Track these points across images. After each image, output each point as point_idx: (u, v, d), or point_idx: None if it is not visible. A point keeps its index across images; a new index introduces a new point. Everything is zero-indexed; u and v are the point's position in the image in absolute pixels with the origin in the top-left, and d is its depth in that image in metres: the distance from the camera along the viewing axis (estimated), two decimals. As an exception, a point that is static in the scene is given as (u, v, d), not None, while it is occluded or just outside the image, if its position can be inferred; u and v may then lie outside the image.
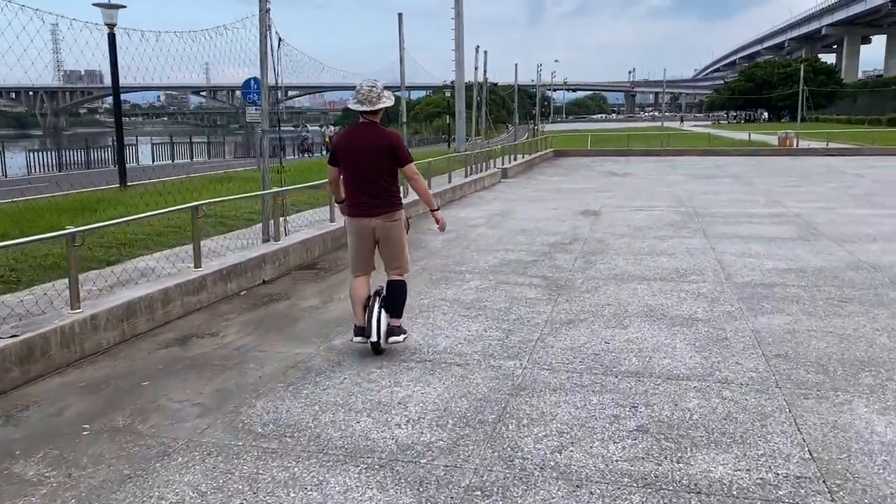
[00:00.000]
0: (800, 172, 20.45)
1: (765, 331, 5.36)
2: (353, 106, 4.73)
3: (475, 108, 24.31)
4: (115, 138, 15.04)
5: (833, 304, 6.06)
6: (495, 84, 68.59)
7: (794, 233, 9.77)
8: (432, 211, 5.07)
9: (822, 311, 5.88)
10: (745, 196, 14.49)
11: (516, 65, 34.43)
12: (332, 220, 9.37)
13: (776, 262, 7.79)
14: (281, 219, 8.14)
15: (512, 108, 44.37)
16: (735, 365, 4.63)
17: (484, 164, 19.72)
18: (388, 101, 4.72)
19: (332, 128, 40.97)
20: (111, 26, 13.20)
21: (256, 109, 18.70)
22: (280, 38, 8.70)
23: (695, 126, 75.24)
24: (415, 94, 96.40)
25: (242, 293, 6.85)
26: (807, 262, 7.81)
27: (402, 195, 5.06)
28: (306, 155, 34.50)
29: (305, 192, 11.95)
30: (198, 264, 6.41)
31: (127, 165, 23.26)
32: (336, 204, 5.20)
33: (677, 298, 6.36)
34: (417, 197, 5.74)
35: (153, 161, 26.46)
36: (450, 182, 15.00)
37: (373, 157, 4.68)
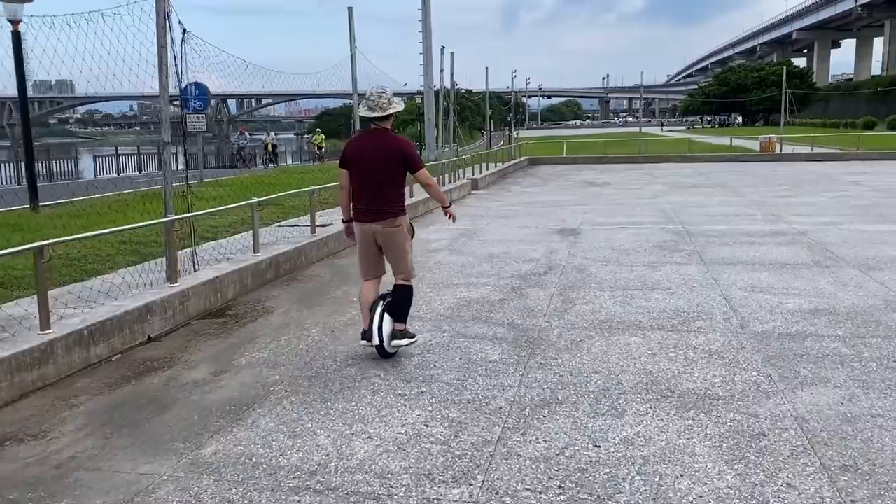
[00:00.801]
0: (790, 180, 19.17)
1: (813, 418, 3.85)
2: (363, 113, 4.75)
3: (442, 114, 22.81)
4: (32, 151, 13.18)
5: (890, 368, 4.58)
6: (469, 91, 67.24)
7: (807, 257, 8.32)
8: (444, 208, 5.19)
9: (881, 378, 4.39)
10: (738, 209, 13.09)
11: (487, 68, 33.02)
12: (255, 250, 7.70)
13: (798, 301, 6.31)
14: (181, 252, 6.50)
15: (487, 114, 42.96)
16: (786, 490, 3.11)
17: (453, 174, 18.20)
18: (398, 105, 4.76)
19: (272, 134, 37.36)
20: (15, 23, 11.43)
21: (199, 117, 17.06)
22: (185, 30, 7.16)
23: (671, 131, 74.34)
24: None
25: (116, 358, 5.20)
26: (835, 299, 6.34)
27: (405, 200, 5.00)
28: (245, 167, 29.37)
29: (257, 209, 10.29)
30: (45, 326, 4.75)
31: (68, 181, 21.54)
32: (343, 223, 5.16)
33: (685, 360, 4.84)
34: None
35: (96, 175, 24.49)
36: (411, 197, 13.37)
37: (383, 164, 4.72)
